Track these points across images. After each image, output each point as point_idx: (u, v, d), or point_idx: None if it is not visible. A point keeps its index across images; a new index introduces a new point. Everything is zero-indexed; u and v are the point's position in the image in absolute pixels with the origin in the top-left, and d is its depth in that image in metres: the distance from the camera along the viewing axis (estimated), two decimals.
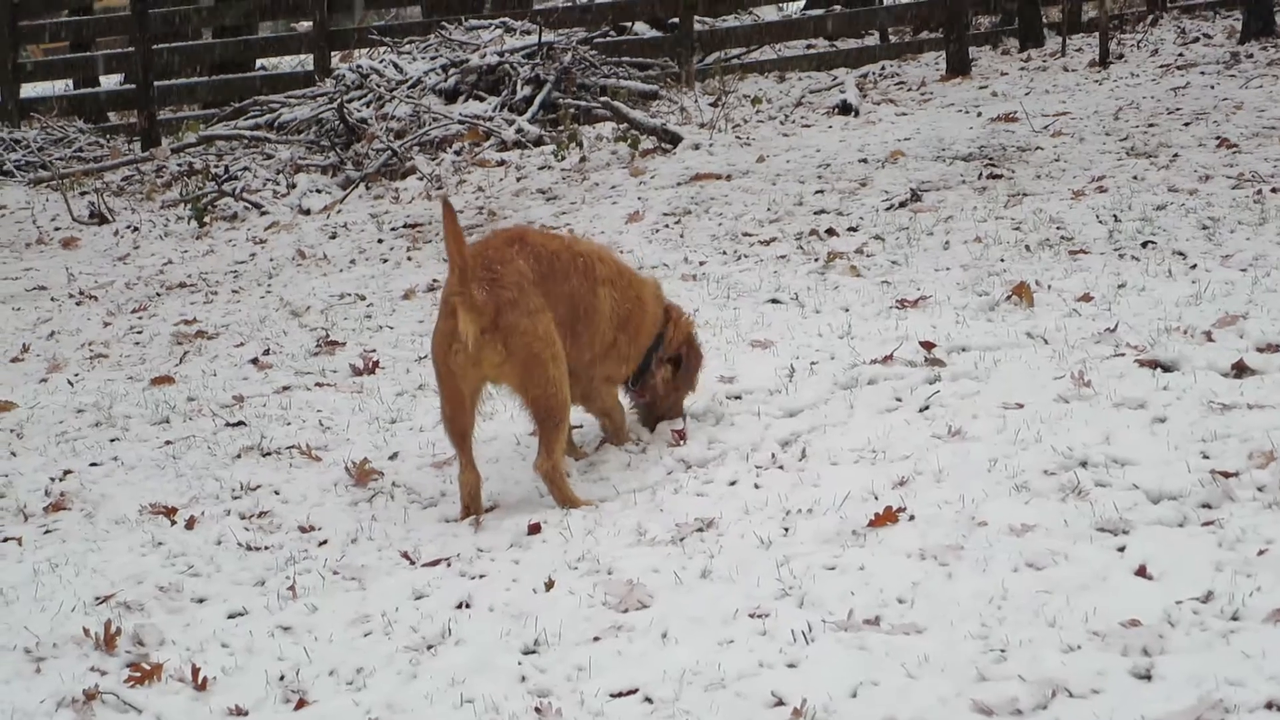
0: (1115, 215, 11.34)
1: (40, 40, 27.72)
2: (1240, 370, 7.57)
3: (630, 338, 8.03)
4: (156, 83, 22.71)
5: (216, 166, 18.97)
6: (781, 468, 7.45)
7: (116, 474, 8.72)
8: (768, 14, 28.35)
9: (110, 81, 28.93)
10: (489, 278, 7.37)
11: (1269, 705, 4.86)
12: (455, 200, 16.20)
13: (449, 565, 6.92)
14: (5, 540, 7.82)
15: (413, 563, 7.03)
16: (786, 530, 6.69)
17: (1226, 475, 6.41)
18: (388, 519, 7.64)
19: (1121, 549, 6.02)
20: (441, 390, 7.60)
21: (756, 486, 7.28)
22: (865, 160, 15.14)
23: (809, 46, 25.68)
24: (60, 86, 28.50)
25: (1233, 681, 4.99)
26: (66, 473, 8.74)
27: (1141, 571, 5.80)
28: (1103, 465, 6.75)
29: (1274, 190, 11.58)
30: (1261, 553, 5.78)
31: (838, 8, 27.24)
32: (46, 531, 7.91)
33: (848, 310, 9.80)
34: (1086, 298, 9.23)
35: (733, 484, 7.38)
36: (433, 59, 20.44)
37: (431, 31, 21.63)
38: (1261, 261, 9.55)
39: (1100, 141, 14.68)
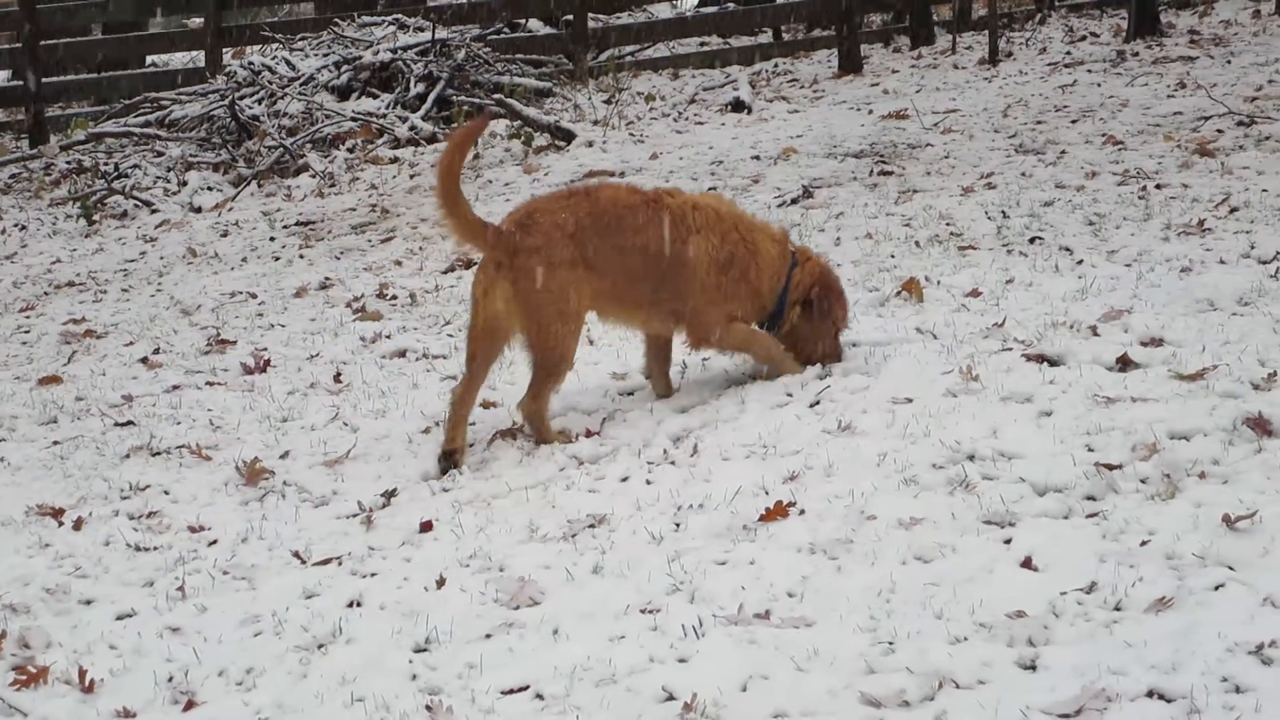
0: (1004, 211, 11.43)
1: None
2: (1124, 364, 7.64)
3: (738, 278, 8.23)
4: (45, 79, 22.50)
5: (106, 164, 18.82)
6: (673, 463, 7.48)
7: (2, 475, 8.62)
8: (661, 11, 28.39)
9: None
10: (526, 222, 7.93)
11: (1150, 694, 4.91)
12: (348, 198, 16.15)
13: (340, 564, 6.90)
14: None
15: (304, 562, 7.00)
16: (678, 526, 6.71)
17: (1110, 468, 6.48)
18: (279, 518, 7.60)
19: (1008, 541, 6.06)
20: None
21: (648, 482, 7.30)
22: (758, 157, 15.20)
23: (702, 44, 25.76)
24: None
25: (1115, 671, 5.04)
26: None
27: (1027, 563, 5.85)
28: (990, 459, 6.80)
29: (1158, 186, 11.70)
30: (1144, 543, 5.84)
31: (731, 5, 27.30)
32: None
33: None
34: (975, 293, 9.31)
35: (625, 480, 7.40)
36: (325, 56, 20.37)
37: (324, 28, 21.55)
38: (1146, 256, 9.65)
39: (989, 138, 14.80)
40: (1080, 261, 9.78)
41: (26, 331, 12.18)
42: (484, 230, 7.95)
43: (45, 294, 13.59)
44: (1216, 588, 5.48)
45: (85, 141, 20.12)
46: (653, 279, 8.11)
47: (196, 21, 26.07)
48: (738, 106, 18.91)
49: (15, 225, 16.94)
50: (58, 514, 7.85)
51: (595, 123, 18.37)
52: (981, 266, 9.95)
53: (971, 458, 6.83)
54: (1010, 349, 8.10)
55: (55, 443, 9.08)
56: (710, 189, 13.49)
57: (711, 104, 19.66)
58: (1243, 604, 5.35)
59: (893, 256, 10.58)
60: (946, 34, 23.23)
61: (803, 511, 6.60)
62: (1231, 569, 5.59)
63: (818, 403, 7.85)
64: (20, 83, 22.70)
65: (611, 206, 8.08)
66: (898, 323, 8.93)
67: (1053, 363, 7.80)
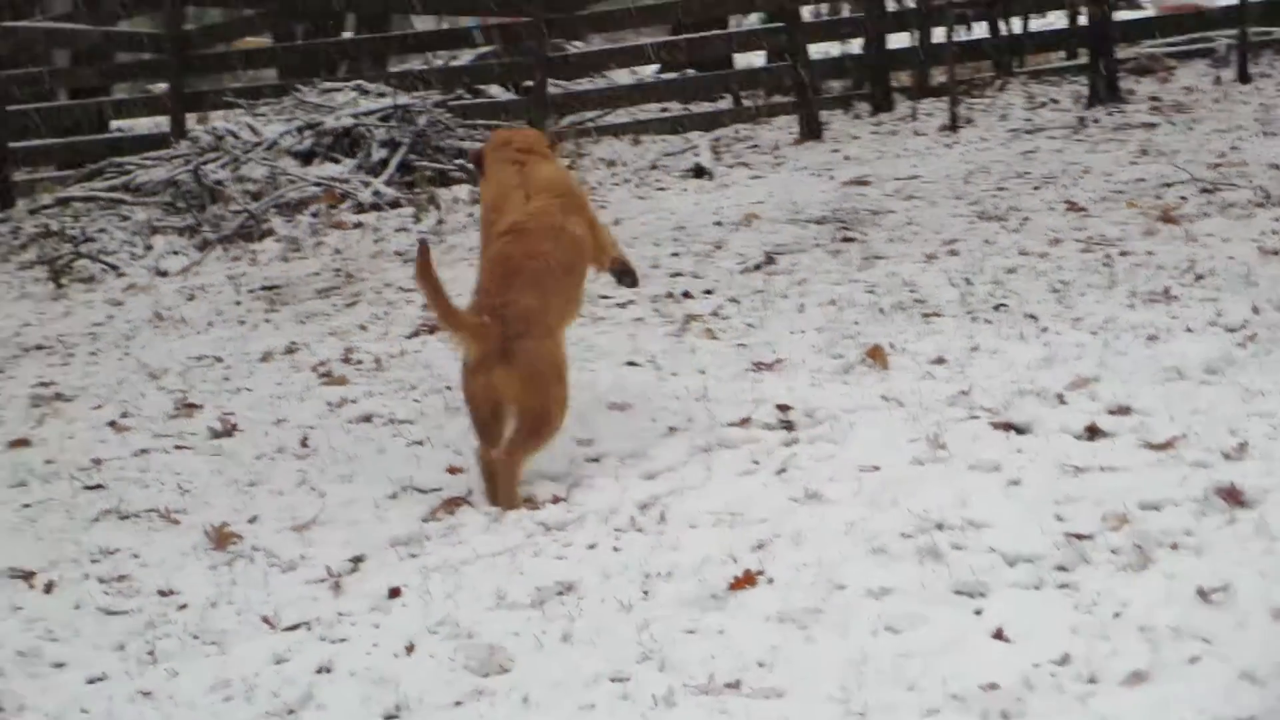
0: (967, 278, 11.49)
1: None
2: (1092, 433, 7.68)
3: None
4: (11, 144, 22.50)
5: (73, 228, 18.78)
6: (640, 531, 7.47)
7: None
8: (621, 78, 28.47)
9: None
10: (503, 312, 8.20)
11: None
12: (312, 263, 16.16)
13: (309, 629, 6.88)
14: None
15: (273, 627, 6.98)
16: (646, 593, 6.70)
17: (1081, 537, 6.49)
18: (247, 582, 7.57)
19: (979, 611, 6.06)
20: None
21: (616, 549, 7.29)
22: (720, 223, 15.24)
23: (663, 110, 25.80)
24: None
25: None
26: None
27: (999, 634, 5.85)
28: (959, 528, 6.81)
29: (1122, 254, 11.77)
30: (1117, 615, 5.84)
31: (691, 71, 27.39)
32: None
33: (704, 373, 9.85)
34: (940, 360, 9.35)
35: (592, 547, 7.38)
36: (288, 121, 20.39)
37: (286, 94, 21.60)
38: (1111, 324, 9.71)
39: (951, 205, 14.86)
40: (1045, 329, 9.83)
41: None
42: (477, 328, 8.21)
43: (14, 357, 13.53)
44: (1192, 661, 5.47)
45: (52, 205, 20.10)
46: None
47: (162, 87, 26.05)
48: (699, 172, 18.99)
49: None
50: (29, 577, 7.80)
51: None
52: (946, 333, 9.99)
53: (940, 526, 6.84)
54: (977, 417, 8.15)
55: (25, 505, 9.04)
56: (673, 254, 13.59)
57: (673, 169, 19.72)
58: (1219, 678, 5.33)
59: (856, 323, 10.62)
60: (906, 100, 23.34)
61: (771, 580, 6.60)
62: (1207, 641, 5.59)
63: (784, 470, 7.87)
64: None
65: (528, 260, 8.47)
66: (863, 390, 8.96)
67: (1020, 431, 7.84)
